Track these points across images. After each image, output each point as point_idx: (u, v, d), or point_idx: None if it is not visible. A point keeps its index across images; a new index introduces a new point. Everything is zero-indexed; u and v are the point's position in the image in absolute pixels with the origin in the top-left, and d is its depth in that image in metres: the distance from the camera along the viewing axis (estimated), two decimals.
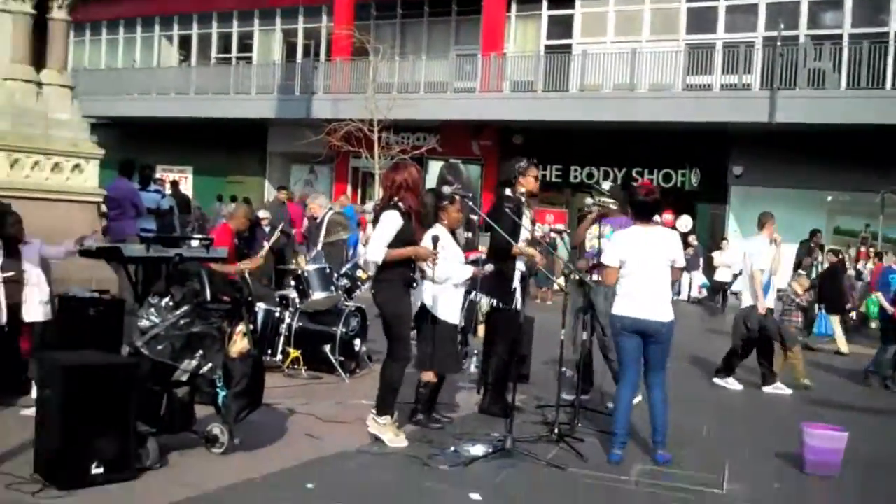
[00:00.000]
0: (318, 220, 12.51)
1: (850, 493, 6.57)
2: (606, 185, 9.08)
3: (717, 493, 6.18)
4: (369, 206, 10.60)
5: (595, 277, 8.27)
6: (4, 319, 7.00)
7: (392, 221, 6.57)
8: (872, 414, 9.69)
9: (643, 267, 6.87)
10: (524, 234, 7.90)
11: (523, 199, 8.04)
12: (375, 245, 6.55)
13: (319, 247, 11.38)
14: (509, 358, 7.83)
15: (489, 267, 7.40)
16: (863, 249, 21.78)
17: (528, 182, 8.11)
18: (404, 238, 6.59)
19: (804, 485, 6.67)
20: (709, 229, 24.42)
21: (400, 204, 6.61)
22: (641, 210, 7.07)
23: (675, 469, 6.64)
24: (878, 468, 7.27)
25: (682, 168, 24.58)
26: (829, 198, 22.99)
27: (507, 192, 8.02)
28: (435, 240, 6.84)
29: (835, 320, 15.93)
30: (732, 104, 21.85)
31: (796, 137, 21.44)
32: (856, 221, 23.09)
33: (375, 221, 6.81)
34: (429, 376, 7.23)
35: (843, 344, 15.18)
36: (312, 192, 31.03)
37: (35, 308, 7.27)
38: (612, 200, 8.77)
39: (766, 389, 10.52)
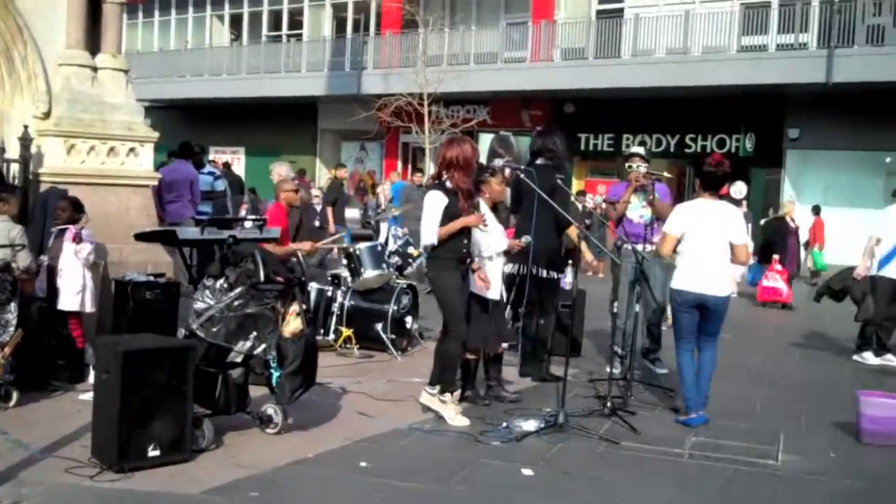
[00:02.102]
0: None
1: None
2: (641, 150, 8.90)
3: (771, 464, 6.15)
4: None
5: (648, 248, 8.20)
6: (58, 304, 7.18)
7: (436, 202, 6.59)
8: None
9: (704, 240, 6.93)
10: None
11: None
12: (427, 228, 6.59)
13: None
14: (551, 327, 8.08)
15: (526, 238, 7.36)
16: None
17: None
18: (452, 215, 6.60)
19: (859, 454, 6.58)
20: (764, 195, 24.08)
21: (447, 182, 6.64)
22: (709, 182, 7.11)
23: (728, 440, 6.61)
24: None
25: (736, 133, 24.21)
26: (888, 159, 22.50)
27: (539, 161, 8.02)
28: (476, 205, 6.90)
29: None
30: (788, 65, 21.44)
31: (854, 97, 20.99)
32: None
33: (423, 196, 6.85)
34: (469, 354, 7.17)
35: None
36: (363, 169, 31.31)
37: (68, 298, 7.37)
38: (643, 165, 8.63)
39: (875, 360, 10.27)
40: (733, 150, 24.06)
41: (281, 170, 11.86)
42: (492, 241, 7.14)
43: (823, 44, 21.28)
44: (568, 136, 8.28)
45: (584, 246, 8.66)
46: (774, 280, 15.70)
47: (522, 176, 7.33)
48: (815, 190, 23.13)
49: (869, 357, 10.30)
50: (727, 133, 24.27)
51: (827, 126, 22.01)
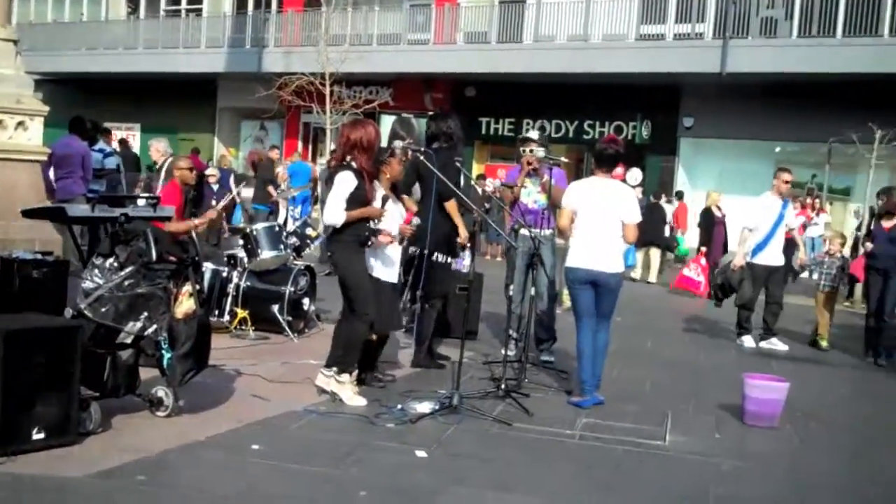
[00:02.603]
0: (157, 167, 11.79)
1: (785, 444, 6.71)
2: (535, 134, 9.03)
3: (659, 445, 6.30)
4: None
5: (543, 232, 8.29)
6: None
7: (347, 182, 6.56)
8: (828, 366, 10.00)
9: (596, 217, 7.11)
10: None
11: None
12: (334, 208, 6.54)
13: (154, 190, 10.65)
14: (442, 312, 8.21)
15: (416, 221, 7.38)
16: (809, 201, 22.06)
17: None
18: (358, 198, 6.59)
19: (743, 435, 6.80)
20: (658, 182, 24.60)
21: (353, 163, 6.60)
22: (601, 160, 7.33)
23: (618, 422, 6.75)
24: (815, 420, 7.44)
25: (633, 120, 24.69)
26: (778, 148, 23.23)
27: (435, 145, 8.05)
28: (384, 199, 6.88)
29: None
30: (685, 54, 21.94)
31: (747, 88, 21.63)
32: (803, 172, 23.34)
33: (329, 181, 6.76)
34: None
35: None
36: (261, 148, 30.95)
37: None
38: (540, 149, 8.73)
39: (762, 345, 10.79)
40: (630, 136, 24.53)
41: (159, 146, 11.63)
42: (389, 225, 7.13)
43: (719, 34, 21.81)
44: (469, 120, 8.32)
45: (461, 224, 8.71)
46: (696, 272, 15.61)
47: (422, 158, 7.33)
48: (707, 177, 23.76)
49: (748, 341, 10.76)
50: (624, 120, 24.72)
51: (720, 115, 22.62)
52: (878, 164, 19.09)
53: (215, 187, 16.65)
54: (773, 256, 10.74)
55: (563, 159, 9.00)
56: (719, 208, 17.31)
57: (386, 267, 7.11)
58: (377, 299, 6.89)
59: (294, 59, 24.82)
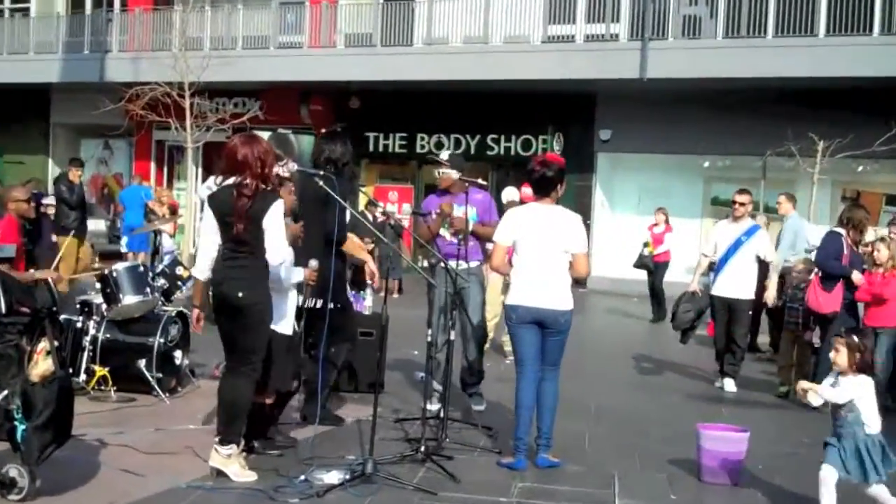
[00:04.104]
0: None
1: None
2: (444, 155, 9.07)
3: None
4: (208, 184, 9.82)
5: (463, 265, 8.29)
6: None
7: (282, 213, 6.48)
8: (782, 410, 10.19)
9: (539, 249, 7.15)
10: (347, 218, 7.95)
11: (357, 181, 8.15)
12: (283, 245, 6.44)
13: None
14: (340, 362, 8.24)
15: (314, 263, 7.28)
16: None
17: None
18: None
19: (702, 496, 6.88)
20: (574, 202, 24.91)
21: (267, 184, 6.47)
22: (540, 185, 7.33)
23: (559, 485, 6.74)
24: (779, 474, 7.55)
25: (542, 133, 24.95)
26: (706, 163, 23.79)
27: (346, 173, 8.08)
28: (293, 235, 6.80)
29: None
30: (598, 58, 22.23)
31: (670, 95, 22.07)
32: (735, 189, 23.90)
33: (251, 209, 6.39)
34: (258, 397, 7.06)
35: None
36: (107, 171, 30.32)
37: None
38: (453, 171, 8.76)
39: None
40: (540, 152, 24.75)
41: None
42: (288, 271, 7.01)
43: (636, 35, 22.26)
44: (354, 136, 8.23)
45: (369, 261, 9.05)
46: None
47: (321, 183, 7.24)
48: (627, 197, 24.20)
49: (727, 385, 11.06)
50: (533, 134, 24.98)
51: (642, 127, 23.03)
52: (820, 178, 19.71)
53: (54, 218, 16.17)
54: (728, 287, 10.99)
55: (481, 181, 9.02)
56: None
57: (280, 317, 6.97)
58: (279, 354, 6.77)
59: (144, 66, 24.39)
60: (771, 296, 11.14)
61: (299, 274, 7.14)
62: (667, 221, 18.06)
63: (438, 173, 8.77)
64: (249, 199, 6.34)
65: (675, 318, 11.36)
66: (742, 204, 11.15)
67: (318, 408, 7.68)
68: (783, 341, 11.28)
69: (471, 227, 8.52)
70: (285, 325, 7.07)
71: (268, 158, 6.44)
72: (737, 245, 10.96)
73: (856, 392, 6.11)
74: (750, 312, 11.15)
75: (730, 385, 11.00)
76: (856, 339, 6.20)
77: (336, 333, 7.86)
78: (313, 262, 7.22)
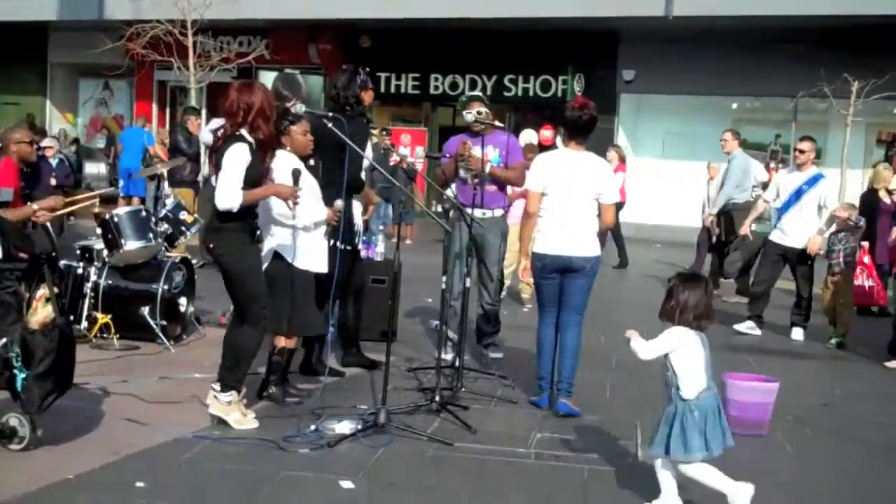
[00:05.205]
0: None
1: (777, 455, 6.82)
2: (470, 94, 9.01)
3: (630, 463, 6.33)
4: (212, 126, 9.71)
5: (480, 213, 8.24)
6: None
7: (242, 157, 6.37)
8: (814, 361, 10.25)
9: (569, 197, 7.26)
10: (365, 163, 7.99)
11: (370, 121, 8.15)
12: (229, 188, 6.32)
13: None
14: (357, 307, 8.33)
15: (339, 203, 7.31)
16: (773, 165, 22.53)
17: (369, 96, 8.27)
18: (255, 177, 6.44)
19: (730, 448, 6.86)
20: (595, 145, 24.77)
21: (251, 134, 6.44)
22: (573, 130, 7.42)
23: (579, 436, 6.76)
24: (810, 426, 7.58)
25: (562, 74, 24.80)
26: (735, 105, 23.67)
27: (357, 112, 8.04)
28: (296, 174, 6.72)
29: None
30: None
31: (697, 34, 21.88)
32: (765, 132, 23.84)
33: (215, 152, 6.56)
34: (283, 341, 7.13)
35: None
36: (106, 113, 30.30)
37: None
38: (487, 115, 8.70)
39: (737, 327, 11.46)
40: (559, 93, 24.65)
41: None
42: (310, 206, 7.01)
43: None
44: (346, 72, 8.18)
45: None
46: (864, 277, 13.43)
47: (330, 125, 7.22)
48: (652, 140, 24.11)
49: (796, 334, 11.26)
50: (552, 74, 24.83)
51: (667, 67, 22.85)
52: (854, 121, 19.59)
53: (54, 162, 16.22)
54: (786, 236, 11.20)
55: (497, 123, 8.96)
56: (890, 192, 14.34)
57: (311, 256, 7.05)
58: (296, 295, 6.81)
59: (145, 2, 24.20)
60: (816, 243, 11.06)
61: (322, 213, 7.16)
62: (622, 161, 17.90)
63: (471, 115, 8.57)
64: (219, 143, 6.49)
65: (724, 270, 11.45)
66: (802, 151, 11.26)
67: (327, 356, 7.69)
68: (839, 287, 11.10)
69: (488, 169, 8.46)
70: (314, 262, 7.12)
71: (257, 107, 6.42)
72: (798, 193, 11.10)
73: (666, 346, 5.39)
74: (810, 262, 11.20)
75: (797, 334, 11.20)
76: (676, 282, 5.46)
77: (349, 278, 7.95)
78: (339, 203, 7.24)
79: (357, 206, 8.16)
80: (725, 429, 5.31)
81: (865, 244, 12.90)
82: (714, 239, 14.20)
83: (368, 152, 7.94)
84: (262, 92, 6.52)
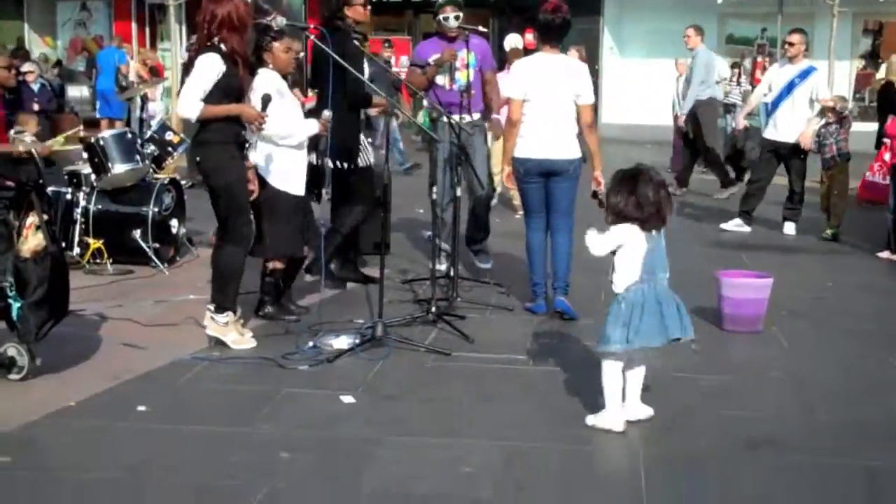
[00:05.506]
0: None
1: (773, 349, 6.87)
2: (453, 23, 8.79)
3: None
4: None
5: (468, 118, 8.19)
6: None
7: (210, 66, 6.26)
8: (806, 254, 10.28)
9: (548, 100, 7.25)
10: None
11: (360, 35, 8.01)
12: (188, 97, 6.25)
13: None
14: (368, 223, 8.23)
15: (327, 113, 7.22)
16: (759, 59, 22.37)
17: (358, 12, 7.95)
18: (228, 89, 6.33)
19: (723, 345, 6.95)
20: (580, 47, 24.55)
21: (222, 45, 6.32)
22: (547, 33, 7.38)
23: (575, 342, 6.79)
24: (803, 318, 7.64)
25: None
26: (720, 0, 23.39)
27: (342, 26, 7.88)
28: (265, 99, 6.52)
29: None
30: None
31: None
32: (751, 27, 23.61)
33: (189, 66, 6.47)
34: (275, 262, 7.10)
35: None
36: (87, 34, 29.92)
37: None
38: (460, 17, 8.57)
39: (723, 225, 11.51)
40: None
41: None
42: (295, 126, 6.93)
43: None
44: None
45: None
46: (882, 174, 12.96)
47: (313, 38, 7.11)
48: (638, 40, 23.85)
49: (788, 228, 11.35)
50: None
51: None
52: (840, 12, 19.36)
53: (36, 87, 16.04)
54: (779, 131, 11.08)
55: (482, 28, 8.87)
56: None
57: (290, 177, 6.97)
58: (289, 217, 6.77)
59: None
60: (807, 136, 10.90)
61: (311, 126, 7.07)
62: (583, 61, 17.68)
63: (446, 19, 8.48)
64: (192, 54, 6.43)
65: (745, 156, 11.30)
66: (791, 44, 11.08)
67: (322, 270, 7.67)
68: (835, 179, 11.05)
69: (472, 75, 8.39)
70: (292, 184, 7.03)
71: (221, 17, 6.28)
72: (790, 87, 10.97)
73: (615, 240, 5.17)
74: (802, 156, 11.13)
75: (789, 229, 11.24)
76: (614, 181, 5.26)
77: (352, 195, 7.92)
78: (326, 113, 7.13)
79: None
80: (670, 323, 5.08)
81: (888, 141, 12.18)
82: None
83: (367, 68, 7.86)
84: (231, 3, 6.34)
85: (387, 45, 19.83)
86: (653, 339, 5.09)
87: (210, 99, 6.28)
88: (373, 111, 9.06)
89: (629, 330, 5.04)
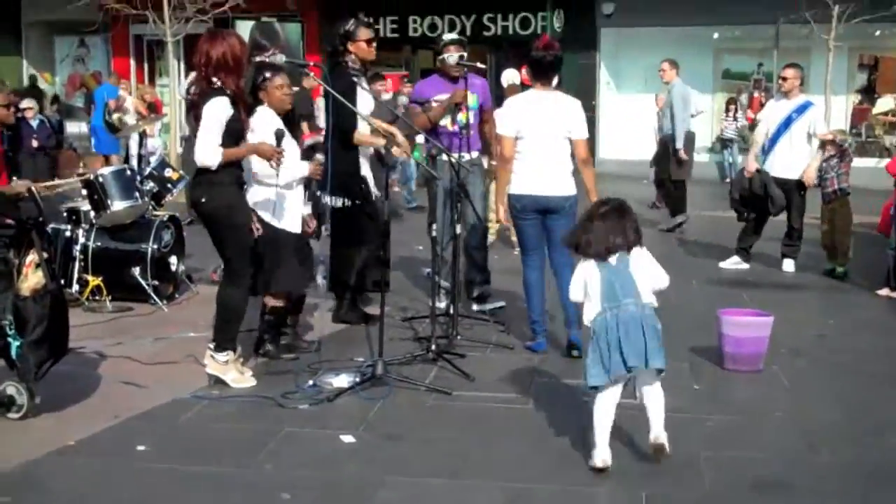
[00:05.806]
0: None
1: (774, 390, 6.84)
2: (450, 37, 8.82)
3: (632, 403, 6.30)
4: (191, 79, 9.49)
5: (467, 156, 8.23)
6: None
7: (221, 111, 6.26)
8: (805, 291, 10.26)
9: (541, 137, 7.27)
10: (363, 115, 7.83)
11: (359, 71, 7.96)
12: (207, 145, 6.23)
13: None
14: (368, 261, 8.09)
15: (319, 157, 7.27)
16: (756, 95, 22.44)
17: (361, 48, 7.91)
18: (234, 132, 6.35)
19: (725, 384, 6.93)
20: (578, 83, 24.63)
21: (225, 87, 6.32)
22: (538, 70, 7.40)
23: (578, 379, 6.75)
24: (804, 357, 7.62)
25: (542, 10, 24.59)
26: (716, 34, 23.49)
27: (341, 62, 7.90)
28: (279, 134, 6.57)
29: None
30: None
31: None
32: (747, 62, 23.70)
33: (194, 109, 6.45)
34: (272, 301, 7.09)
35: None
36: (85, 70, 29.99)
37: None
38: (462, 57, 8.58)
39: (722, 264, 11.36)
40: (539, 30, 24.38)
41: None
42: (293, 167, 6.93)
43: None
44: (343, 21, 8.02)
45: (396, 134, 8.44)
46: None
47: (312, 76, 7.13)
48: (634, 75, 23.90)
49: (787, 265, 11.19)
50: (532, 11, 24.60)
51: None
52: (836, 46, 19.46)
53: (35, 123, 16.06)
54: (778, 167, 10.92)
55: (480, 65, 8.91)
56: None
57: (287, 216, 6.97)
58: (289, 256, 6.77)
59: None
60: (811, 173, 10.80)
61: (303, 168, 7.07)
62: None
63: (448, 59, 8.51)
64: (196, 97, 6.38)
65: (775, 203, 10.97)
66: (785, 78, 11.00)
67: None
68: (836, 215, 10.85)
69: (472, 117, 8.42)
70: (289, 223, 7.04)
71: (216, 58, 6.27)
72: (787, 122, 10.87)
73: (579, 278, 5.33)
74: (802, 193, 10.97)
75: (788, 266, 11.13)
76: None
77: (350, 234, 7.92)
78: (319, 156, 7.16)
79: (365, 164, 8.06)
80: (628, 350, 5.09)
81: None
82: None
83: (368, 103, 7.86)
84: (226, 43, 6.34)
85: (378, 78, 19.74)
86: (619, 367, 5.11)
87: (222, 143, 6.30)
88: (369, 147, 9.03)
89: (603, 362, 5.10)
